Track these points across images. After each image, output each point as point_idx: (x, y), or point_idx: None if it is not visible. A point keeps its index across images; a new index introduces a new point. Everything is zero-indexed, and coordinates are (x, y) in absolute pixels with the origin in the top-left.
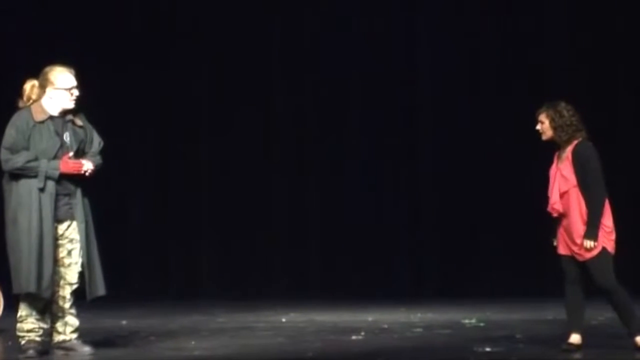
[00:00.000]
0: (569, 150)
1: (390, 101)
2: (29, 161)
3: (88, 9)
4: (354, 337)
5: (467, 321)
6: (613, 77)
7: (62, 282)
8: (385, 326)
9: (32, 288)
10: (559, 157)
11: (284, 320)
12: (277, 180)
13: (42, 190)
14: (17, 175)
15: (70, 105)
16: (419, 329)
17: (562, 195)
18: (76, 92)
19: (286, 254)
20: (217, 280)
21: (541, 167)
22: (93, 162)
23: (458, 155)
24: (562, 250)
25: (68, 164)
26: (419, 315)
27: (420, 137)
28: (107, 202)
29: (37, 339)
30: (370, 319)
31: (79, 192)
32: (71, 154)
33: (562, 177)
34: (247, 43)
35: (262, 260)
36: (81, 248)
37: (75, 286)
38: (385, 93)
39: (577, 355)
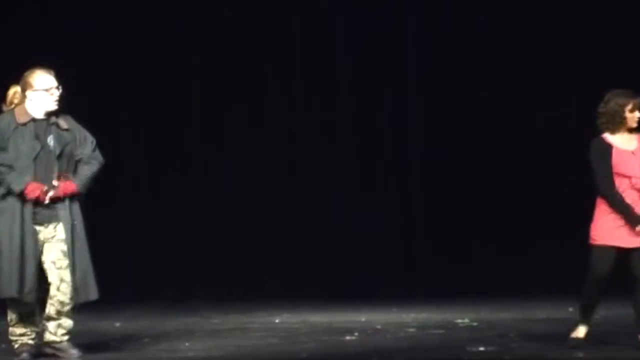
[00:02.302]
0: (638, 137)
1: (380, 99)
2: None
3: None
4: (347, 338)
5: (460, 321)
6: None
7: (61, 285)
8: (379, 326)
9: (13, 293)
10: (623, 141)
11: (277, 321)
12: (268, 181)
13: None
14: None
15: (52, 106)
16: (412, 329)
17: None
18: (57, 93)
19: (279, 255)
20: (210, 282)
21: (532, 166)
22: (87, 175)
23: (449, 155)
24: (608, 240)
25: (34, 191)
26: (412, 315)
27: (411, 137)
28: (98, 204)
29: (30, 342)
30: (363, 319)
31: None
32: (55, 182)
33: None
34: (238, 43)
35: (255, 261)
36: (67, 249)
37: (75, 286)
38: (375, 89)
39: (579, 354)
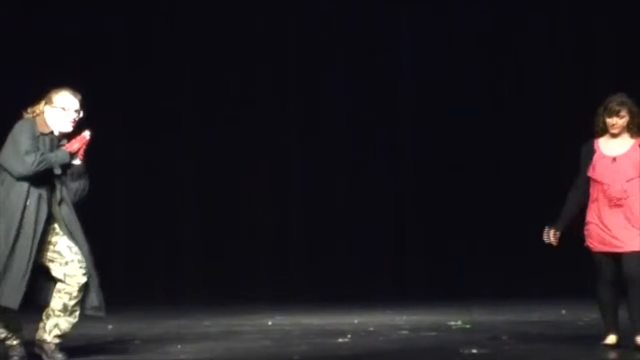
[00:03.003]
0: (636, 143)
1: (376, 101)
2: (43, 159)
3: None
4: (340, 340)
5: (453, 323)
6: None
7: (68, 279)
8: (371, 329)
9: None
10: (609, 147)
11: (270, 323)
12: (260, 183)
13: (27, 201)
14: (9, 185)
15: (68, 127)
16: (404, 332)
17: (627, 181)
18: (74, 115)
19: (271, 257)
20: (201, 284)
21: (525, 168)
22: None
23: (442, 157)
24: (600, 246)
25: (71, 144)
26: (404, 317)
27: (405, 137)
28: (89, 207)
29: (15, 342)
30: (356, 321)
31: (64, 195)
32: (58, 171)
33: (630, 164)
34: (230, 45)
35: (248, 263)
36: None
37: (84, 279)
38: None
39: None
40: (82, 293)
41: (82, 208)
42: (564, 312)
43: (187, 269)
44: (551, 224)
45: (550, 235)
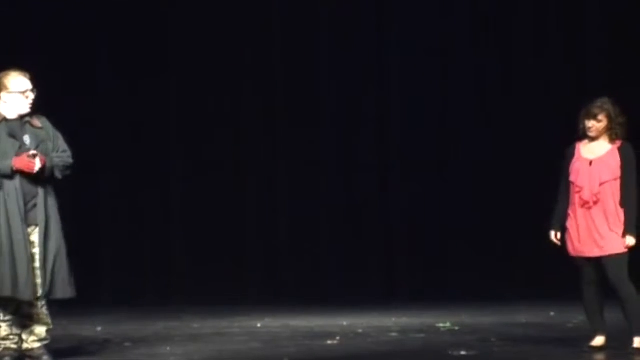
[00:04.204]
0: (614, 147)
1: (359, 103)
2: None
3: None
4: (329, 342)
5: (441, 325)
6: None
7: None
8: (360, 331)
9: (7, 292)
10: (588, 150)
11: (258, 325)
12: (248, 186)
13: (3, 190)
14: None
15: (26, 109)
16: (393, 334)
17: (601, 184)
18: (32, 96)
19: (260, 259)
20: (191, 286)
21: (512, 170)
22: (55, 162)
23: (428, 158)
24: (578, 252)
25: (21, 160)
26: (393, 319)
27: (391, 139)
28: (80, 208)
29: (13, 346)
30: (345, 323)
31: (41, 192)
32: (33, 151)
33: (606, 168)
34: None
35: (236, 265)
36: (39, 248)
37: (41, 291)
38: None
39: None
40: (46, 302)
41: (71, 210)
42: (552, 314)
43: (176, 271)
44: (551, 226)
45: (556, 237)
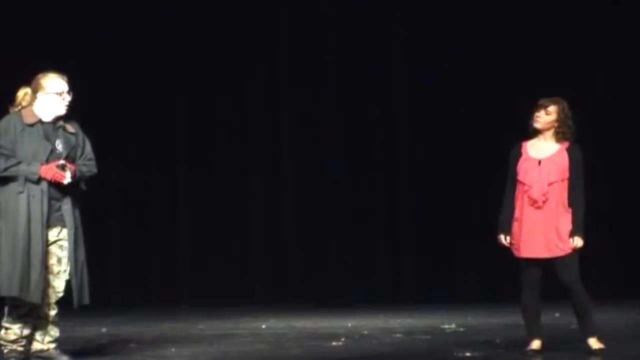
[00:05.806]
0: (562, 147)
1: (366, 102)
2: (9, 167)
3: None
4: (334, 343)
5: (446, 326)
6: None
7: (49, 290)
8: (365, 332)
9: (14, 292)
10: (535, 150)
11: (264, 326)
12: (254, 188)
13: (21, 192)
14: (4, 179)
15: (62, 110)
16: (398, 335)
17: (549, 184)
18: (68, 97)
19: (265, 261)
20: (196, 287)
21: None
22: (82, 170)
23: (435, 160)
24: (525, 253)
25: (49, 170)
26: (398, 320)
27: (398, 141)
28: (86, 210)
29: (20, 348)
30: (350, 324)
31: (69, 199)
32: (62, 161)
33: (555, 168)
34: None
35: (242, 267)
36: (69, 256)
37: (61, 294)
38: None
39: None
40: (58, 305)
41: (81, 215)
42: (557, 315)
43: (182, 273)
44: (500, 229)
45: (506, 240)
